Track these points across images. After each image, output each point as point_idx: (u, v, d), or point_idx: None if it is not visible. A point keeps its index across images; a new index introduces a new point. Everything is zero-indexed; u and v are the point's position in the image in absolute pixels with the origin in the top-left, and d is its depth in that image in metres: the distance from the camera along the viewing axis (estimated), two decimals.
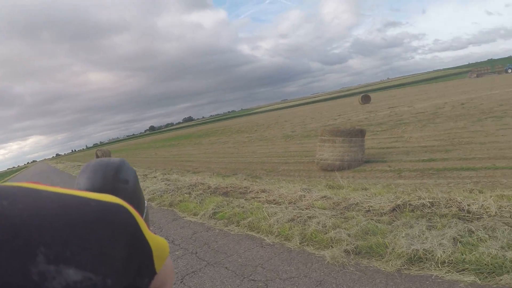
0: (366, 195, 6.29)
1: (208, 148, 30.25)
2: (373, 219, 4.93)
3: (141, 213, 0.87)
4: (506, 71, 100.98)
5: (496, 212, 4.52)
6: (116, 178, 0.81)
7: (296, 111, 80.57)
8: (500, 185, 8.64)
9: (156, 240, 0.63)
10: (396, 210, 5.18)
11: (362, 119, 29.28)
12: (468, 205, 4.81)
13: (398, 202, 5.33)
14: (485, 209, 4.65)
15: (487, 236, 3.78)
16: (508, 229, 3.89)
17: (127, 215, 0.57)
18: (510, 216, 4.37)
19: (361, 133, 13.21)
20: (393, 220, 4.80)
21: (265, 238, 5.76)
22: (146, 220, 0.88)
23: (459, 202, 4.93)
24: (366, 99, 54.62)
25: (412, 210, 5.14)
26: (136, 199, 0.84)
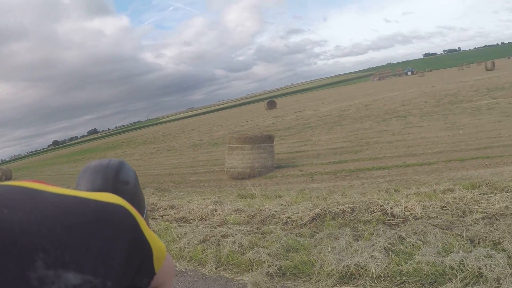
0: (282, 204, 5.81)
1: None
2: (293, 233, 4.40)
3: (142, 214, 0.79)
4: (406, 74, 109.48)
5: (421, 213, 4.26)
6: (116, 179, 0.80)
7: (202, 119, 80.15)
8: (414, 182, 8.73)
9: (156, 240, 0.64)
10: (316, 220, 4.73)
11: (269, 125, 29.46)
12: (391, 208, 4.50)
13: (317, 210, 4.88)
14: (409, 211, 4.38)
15: (419, 242, 3.44)
16: (439, 231, 3.59)
17: (127, 215, 0.57)
18: (437, 216, 4.13)
19: (269, 138, 12.97)
20: (315, 232, 4.33)
21: (176, 264, 5.01)
22: (146, 220, 0.86)
23: (380, 205, 4.62)
24: (271, 104, 55.53)
25: (333, 218, 4.73)
26: (136, 199, 0.82)
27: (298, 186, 10.17)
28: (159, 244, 0.65)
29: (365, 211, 4.60)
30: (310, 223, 4.66)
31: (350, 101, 38.10)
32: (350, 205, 4.86)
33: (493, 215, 4.05)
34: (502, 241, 3.31)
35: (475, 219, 4.00)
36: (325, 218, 4.75)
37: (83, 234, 0.50)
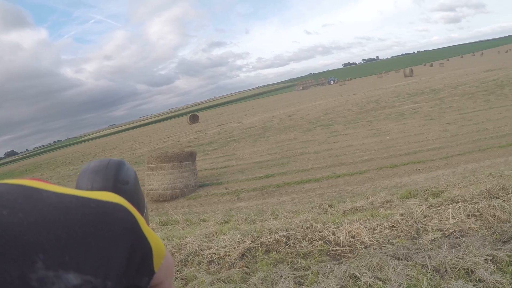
0: (206, 235, 4.93)
1: None
2: (220, 278, 3.51)
3: (142, 213, 0.80)
4: (329, 83, 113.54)
5: (369, 238, 3.58)
6: (116, 179, 0.79)
7: (124, 136, 77.48)
8: (347, 193, 8.26)
9: (155, 239, 0.64)
10: (247, 255, 3.89)
11: (192, 140, 28.59)
12: (333, 234, 3.78)
13: (247, 243, 4.03)
14: (355, 236, 3.69)
15: (379, 281, 2.71)
16: (399, 264, 2.88)
17: (127, 215, 0.58)
18: (388, 241, 3.47)
19: (191, 156, 12.10)
20: (247, 275, 3.47)
21: None
22: (146, 219, 0.84)
23: (319, 231, 3.88)
24: (194, 118, 54.95)
25: (267, 251, 3.91)
26: (136, 199, 0.82)
27: (224, 207, 9.42)
28: (158, 242, 0.64)
29: (303, 240, 3.84)
30: (239, 261, 3.82)
31: (273, 112, 38.17)
32: (285, 233, 4.08)
33: (452, 233, 3.47)
34: (475, 269, 2.69)
35: (433, 240, 3.39)
36: (257, 253, 3.93)
37: (83, 234, 0.50)
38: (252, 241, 4.11)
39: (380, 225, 3.82)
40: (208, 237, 4.88)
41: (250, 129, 26.40)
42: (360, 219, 4.14)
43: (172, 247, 4.60)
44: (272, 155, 14.79)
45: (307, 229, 4.10)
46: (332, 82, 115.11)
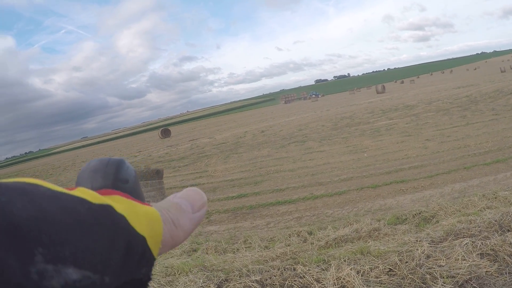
0: (166, 273, 4.12)
1: None
2: None
3: None
4: (311, 97, 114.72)
5: None
6: (116, 177, 0.62)
7: (95, 149, 76.06)
8: (327, 217, 7.61)
9: (146, 222, 0.53)
10: None
11: (163, 154, 27.76)
12: (318, 281, 3.00)
13: None
14: (344, 286, 2.97)
15: None
16: None
17: (116, 216, 0.50)
18: None
19: (157, 174, 11.27)
20: None
21: None
22: None
23: (301, 277, 3.11)
24: (166, 133, 54.34)
25: None
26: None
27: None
28: (151, 225, 0.54)
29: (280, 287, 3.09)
30: None
31: (246, 128, 37.65)
32: (258, 276, 3.32)
33: (466, 281, 2.79)
34: None
35: None
36: None
37: (80, 232, 0.46)
38: (218, 287, 3.34)
39: (374, 269, 3.10)
40: (168, 276, 4.09)
41: (222, 144, 25.77)
42: (349, 258, 3.41)
43: None
44: (245, 172, 14.10)
45: (284, 271, 3.34)
46: (314, 95, 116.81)
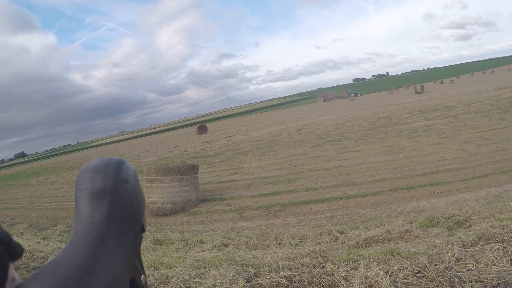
0: (197, 266, 4.26)
1: (34, 191, 25.31)
2: None
3: (142, 212, 0.79)
4: (349, 95, 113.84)
5: None
6: (116, 178, 0.75)
7: (132, 144, 77.49)
8: (359, 217, 7.60)
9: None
10: None
11: (199, 150, 28.08)
12: (346, 280, 3.05)
13: (241, 284, 3.36)
14: (372, 286, 2.99)
15: None
16: None
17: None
18: None
19: (193, 169, 11.48)
20: None
21: None
22: (144, 221, 0.81)
23: (329, 275, 3.18)
24: (202, 129, 54.79)
25: None
26: (136, 198, 0.78)
27: (225, 226, 8.82)
28: None
29: (308, 285, 3.15)
30: None
31: (282, 126, 37.68)
32: (287, 272, 3.40)
33: (494, 286, 2.78)
34: None
35: None
36: None
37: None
38: (248, 281, 3.44)
39: (403, 270, 3.13)
40: (199, 268, 4.22)
41: (258, 142, 25.89)
42: (378, 259, 3.45)
43: (156, 279, 3.94)
44: (280, 170, 14.18)
45: (314, 268, 3.41)
46: (352, 94, 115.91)
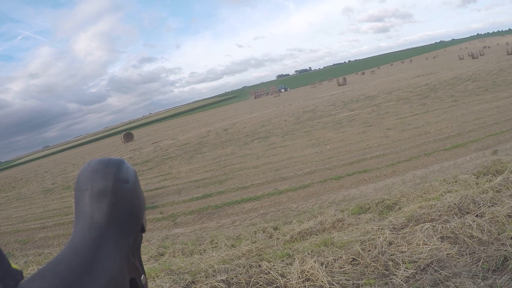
0: None
1: None
2: None
3: (142, 212, 0.79)
4: (279, 91, 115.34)
5: (328, 281, 2.84)
6: (116, 178, 0.75)
7: (58, 158, 74.00)
8: (291, 211, 7.62)
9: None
10: None
11: (127, 159, 27.12)
12: (283, 276, 2.97)
13: None
14: (309, 279, 2.93)
15: None
16: None
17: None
18: (353, 283, 2.73)
19: None
20: None
21: None
22: (144, 220, 0.82)
23: (266, 273, 3.08)
24: (128, 137, 53.52)
25: None
26: (136, 198, 0.79)
27: (159, 234, 8.57)
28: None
29: (246, 285, 3.04)
30: None
31: (209, 127, 37.50)
32: (224, 276, 3.26)
33: (428, 265, 2.82)
34: None
35: (408, 277, 2.71)
36: None
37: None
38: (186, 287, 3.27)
39: (338, 259, 3.10)
40: None
41: (185, 145, 25.56)
42: (313, 251, 3.41)
43: None
44: (209, 172, 14.01)
45: (250, 268, 3.31)
46: (283, 90, 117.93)
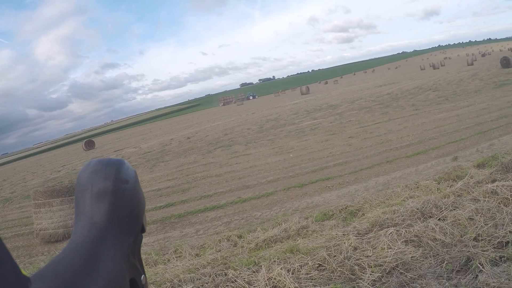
0: None
1: None
2: None
3: (142, 213, 0.78)
4: (248, 98, 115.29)
5: (296, 287, 2.85)
6: (116, 178, 0.74)
7: (17, 166, 71.58)
8: (255, 220, 7.61)
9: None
10: None
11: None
12: (249, 284, 2.95)
13: None
14: (276, 286, 2.94)
15: None
16: None
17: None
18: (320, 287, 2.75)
19: None
20: None
21: None
22: (144, 220, 0.80)
23: (232, 281, 3.05)
24: (90, 144, 52.54)
25: None
26: (136, 198, 0.76)
27: None
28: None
29: None
30: None
31: (172, 135, 37.19)
32: (190, 286, 3.22)
33: (393, 268, 2.86)
34: None
35: (374, 280, 2.74)
36: None
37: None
38: None
39: (304, 266, 3.11)
40: None
41: (148, 153, 25.26)
42: (279, 258, 3.40)
43: None
44: (172, 181, 13.87)
45: (216, 277, 3.27)
46: (251, 97, 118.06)
